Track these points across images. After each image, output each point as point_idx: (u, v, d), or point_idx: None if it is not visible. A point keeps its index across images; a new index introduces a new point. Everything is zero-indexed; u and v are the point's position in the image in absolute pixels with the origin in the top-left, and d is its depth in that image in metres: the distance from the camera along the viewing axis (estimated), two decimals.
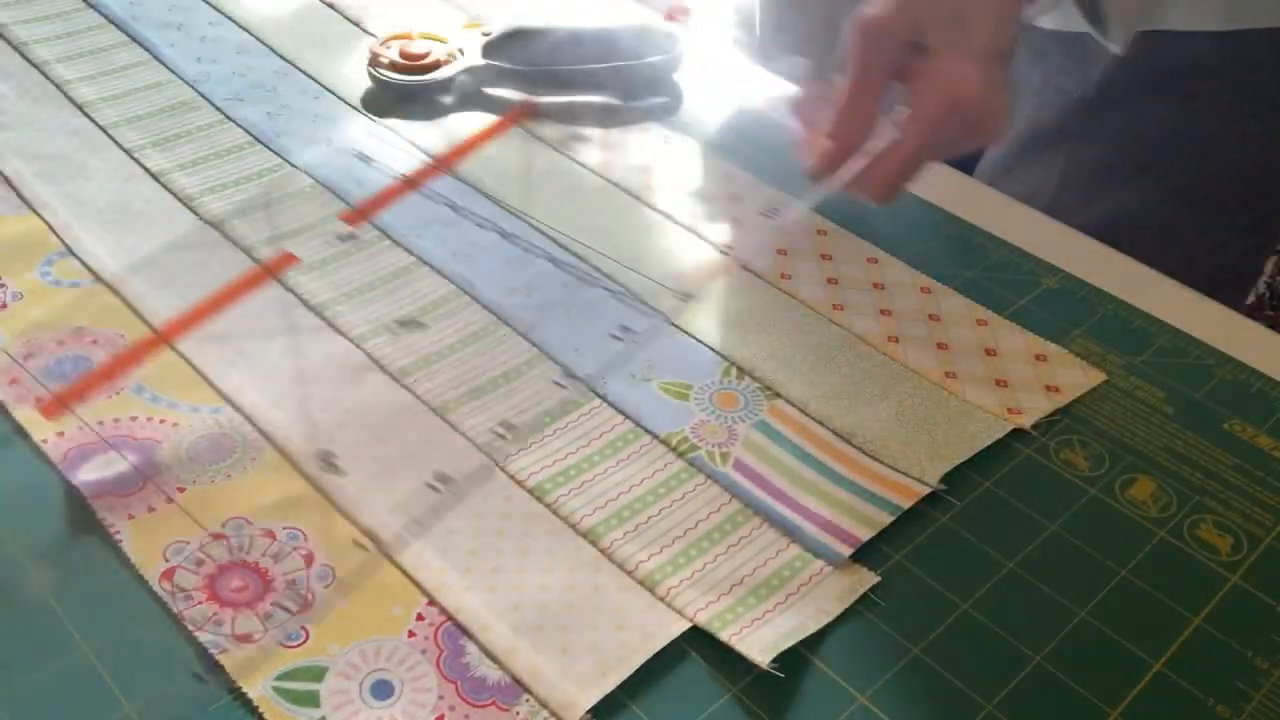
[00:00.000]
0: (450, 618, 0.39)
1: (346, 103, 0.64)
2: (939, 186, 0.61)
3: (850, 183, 0.49)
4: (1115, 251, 0.58)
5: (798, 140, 0.53)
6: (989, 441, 0.46)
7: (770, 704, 0.37)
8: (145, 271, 0.51)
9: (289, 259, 0.45)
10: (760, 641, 0.38)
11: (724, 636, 0.39)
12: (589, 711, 0.36)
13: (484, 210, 0.57)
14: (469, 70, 0.64)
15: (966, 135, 0.49)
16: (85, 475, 0.42)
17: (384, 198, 0.54)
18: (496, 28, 0.66)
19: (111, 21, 0.69)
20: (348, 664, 0.37)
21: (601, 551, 0.41)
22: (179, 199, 0.56)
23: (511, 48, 0.65)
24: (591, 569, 0.41)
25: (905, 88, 0.49)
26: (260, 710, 0.35)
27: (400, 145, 0.61)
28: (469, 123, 0.63)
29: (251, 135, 0.61)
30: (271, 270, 0.42)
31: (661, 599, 0.40)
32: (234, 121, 0.62)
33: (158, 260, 0.52)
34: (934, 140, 0.49)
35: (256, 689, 0.36)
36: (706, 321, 0.51)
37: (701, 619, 0.39)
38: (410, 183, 0.55)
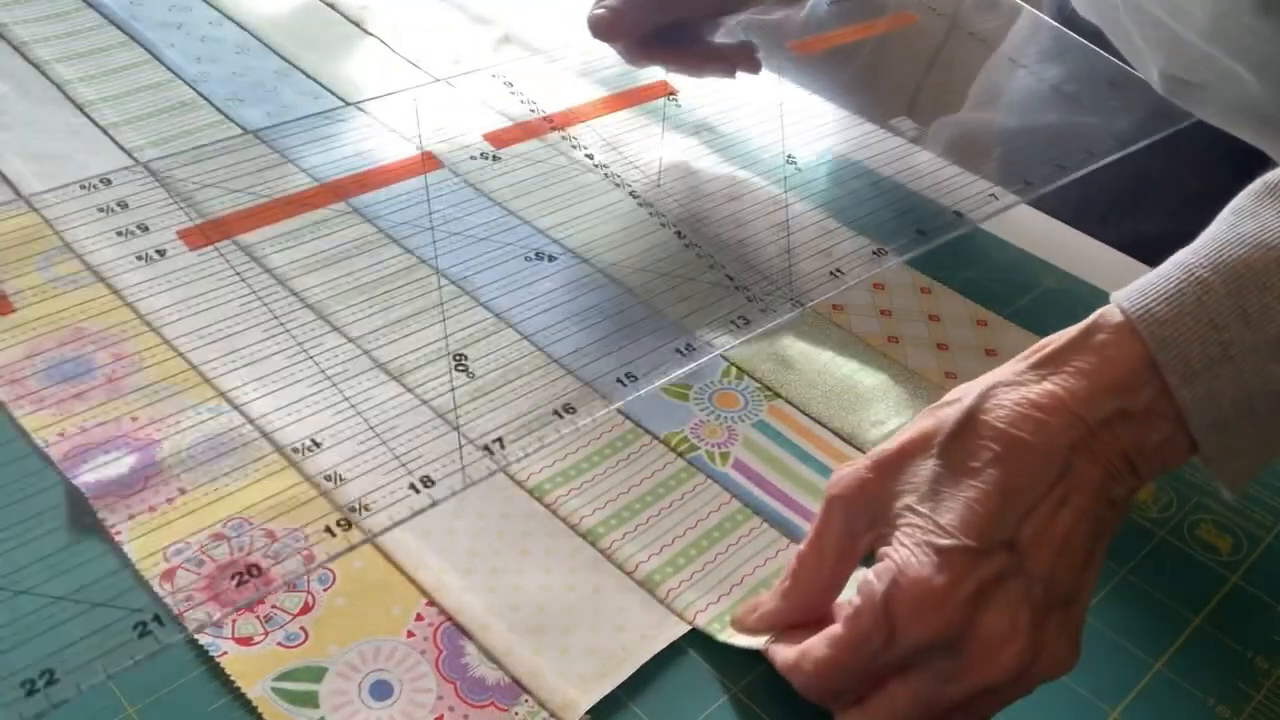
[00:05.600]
0: (449, 618, 0.39)
1: (347, 103, 0.64)
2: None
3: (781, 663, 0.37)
4: (1116, 252, 0.58)
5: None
6: None
7: (770, 704, 0.37)
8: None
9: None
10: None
11: (724, 637, 0.39)
12: (589, 712, 0.36)
13: (485, 212, 0.57)
14: None
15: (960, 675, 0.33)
16: (86, 475, 0.42)
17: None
18: None
19: (111, 21, 0.69)
20: (347, 664, 0.37)
21: (601, 552, 0.41)
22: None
23: None
24: (591, 569, 0.41)
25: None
26: (260, 710, 0.35)
27: (399, 143, 0.61)
28: (473, 120, 0.63)
29: (251, 135, 0.61)
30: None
31: (661, 600, 0.40)
32: (234, 121, 0.62)
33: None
34: (866, 648, 0.34)
35: (256, 689, 0.36)
36: None
37: (701, 620, 0.39)
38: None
